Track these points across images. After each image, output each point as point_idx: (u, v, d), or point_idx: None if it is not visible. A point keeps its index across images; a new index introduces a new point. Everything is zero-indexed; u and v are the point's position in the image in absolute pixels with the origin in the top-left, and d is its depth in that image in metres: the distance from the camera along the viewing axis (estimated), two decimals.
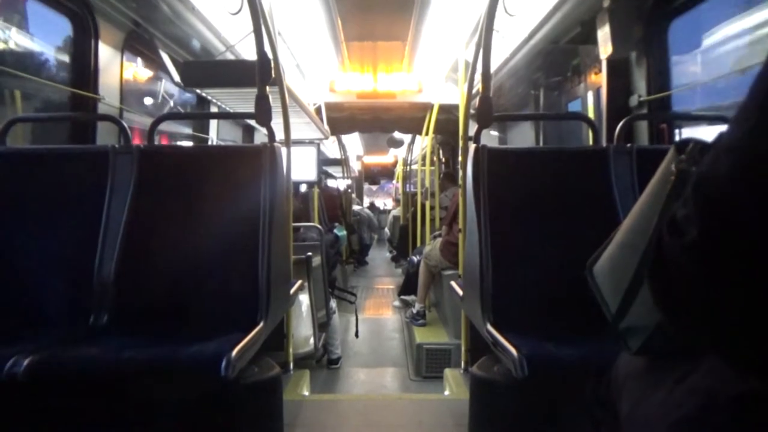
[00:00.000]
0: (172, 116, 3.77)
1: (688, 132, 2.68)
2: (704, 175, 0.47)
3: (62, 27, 2.52)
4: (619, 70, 2.71)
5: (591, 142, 2.34)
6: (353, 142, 11.18)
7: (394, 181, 14.48)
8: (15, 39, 2.55)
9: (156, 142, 2.29)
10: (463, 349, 2.61)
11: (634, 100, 2.64)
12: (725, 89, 2.44)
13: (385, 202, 18.17)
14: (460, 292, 2.23)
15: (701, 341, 0.54)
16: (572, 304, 1.45)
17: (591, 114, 3.33)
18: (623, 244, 0.73)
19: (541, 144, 4.61)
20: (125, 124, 2.15)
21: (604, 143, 2.48)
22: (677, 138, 2.66)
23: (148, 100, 3.81)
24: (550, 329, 1.59)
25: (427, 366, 3.89)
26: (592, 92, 3.40)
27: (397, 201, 12.33)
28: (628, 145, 2.05)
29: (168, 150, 2.53)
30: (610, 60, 2.69)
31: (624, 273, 0.68)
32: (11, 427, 1.48)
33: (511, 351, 1.43)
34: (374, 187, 18.82)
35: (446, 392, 2.59)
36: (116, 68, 2.68)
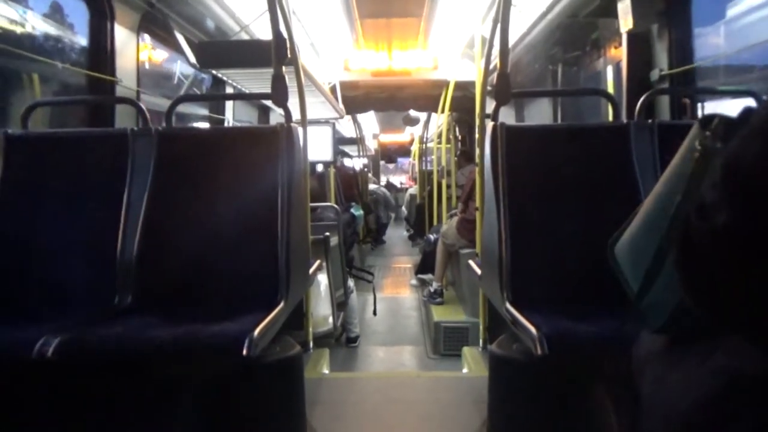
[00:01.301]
0: (190, 98, 3.79)
1: (711, 106, 2.62)
2: (733, 158, 0.46)
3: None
4: (639, 44, 2.65)
5: (611, 118, 2.30)
6: (369, 120, 11.13)
7: (410, 159, 14.42)
8: (33, 23, 2.57)
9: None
10: (481, 327, 2.62)
11: (655, 75, 2.58)
12: (751, 61, 2.38)
13: (401, 181, 18.12)
14: (478, 271, 2.24)
15: (727, 322, 0.54)
16: (592, 282, 1.45)
17: (611, 89, 3.27)
18: (645, 223, 0.72)
19: (559, 120, 4.55)
20: (143, 107, 2.16)
21: (624, 119, 2.43)
22: (700, 113, 2.60)
23: (164, 82, 3.82)
24: (570, 307, 1.59)
25: (445, 344, 3.91)
26: (612, 67, 3.33)
27: (413, 179, 12.29)
28: (650, 120, 2.02)
29: (186, 132, 2.55)
30: (630, 33, 2.62)
31: (646, 252, 0.68)
32: (39, 405, 1.53)
33: (531, 329, 1.43)
34: (391, 166, 18.76)
35: (464, 370, 2.61)
36: (132, 50, 2.69)
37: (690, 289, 0.55)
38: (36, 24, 2.66)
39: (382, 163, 16.28)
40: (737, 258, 0.46)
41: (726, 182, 0.46)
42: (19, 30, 2.55)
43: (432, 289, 4.65)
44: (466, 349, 2.77)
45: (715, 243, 0.47)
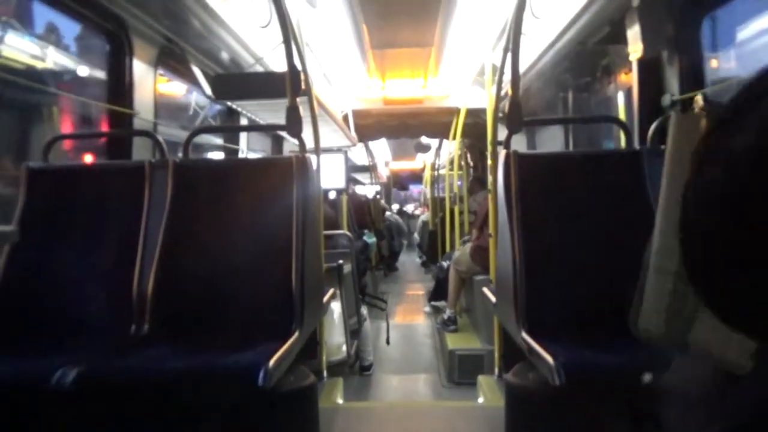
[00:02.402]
0: (206, 130, 3.84)
1: None
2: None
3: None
4: (650, 70, 2.66)
5: (623, 144, 2.30)
6: (381, 148, 11.21)
7: (422, 186, 14.48)
8: (54, 58, 2.65)
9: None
10: (496, 355, 2.59)
11: (666, 100, 2.59)
12: None
13: (413, 207, 18.18)
14: (493, 298, 2.22)
15: (740, 320, 0.53)
16: (608, 310, 1.43)
17: (622, 114, 3.28)
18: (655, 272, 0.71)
19: (570, 145, 4.56)
20: (160, 139, 2.20)
21: (637, 145, 2.43)
22: None
23: (180, 113, 3.90)
24: (586, 335, 1.57)
25: (460, 372, 3.85)
26: (623, 92, 3.35)
27: (426, 206, 12.29)
28: (662, 146, 2.02)
29: (202, 163, 2.59)
30: (640, 59, 2.64)
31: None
32: None
33: (547, 359, 1.41)
34: (403, 193, 18.81)
35: (480, 399, 2.57)
36: (150, 83, 2.75)
37: (699, 285, 0.54)
38: (56, 59, 2.74)
39: (393, 190, 16.36)
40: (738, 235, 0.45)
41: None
42: (39, 65, 2.63)
43: (446, 317, 4.61)
44: (481, 378, 2.73)
45: (715, 213, 0.46)
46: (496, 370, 2.58)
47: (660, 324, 0.72)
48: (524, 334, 1.65)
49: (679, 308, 0.64)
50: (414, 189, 18.13)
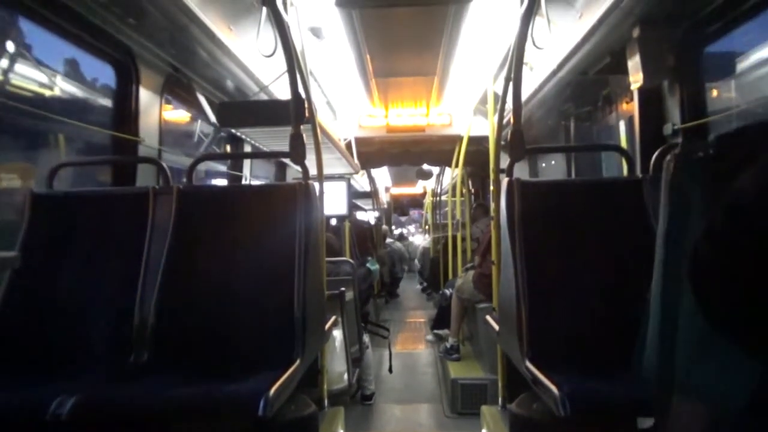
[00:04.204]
0: (210, 157, 3.87)
1: None
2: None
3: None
4: (651, 99, 2.68)
5: (625, 173, 2.31)
6: (382, 173, 11.25)
7: (423, 211, 14.53)
8: (62, 86, 2.68)
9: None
10: (500, 385, 2.55)
11: (668, 129, 2.60)
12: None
13: (414, 228, 18.30)
14: (496, 327, 2.20)
15: (743, 337, 0.53)
16: (612, 338, 1.42)
17: (624, 143, 3.29)
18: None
19: (572, 173, 4.57)
20: (165, 165, 2.22)
21: (639, 173, 2.44)
22: None
23: (184, 140, 3.92)
24: (591, 364, 1.55)
25: (463, 402, 3.80)
26: (624, 121, 3.37)
27: (426, 229, 12.32)
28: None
29: (206, 190, 2.59)
30: (641, 89, 2.66)
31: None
32: None
33: (552, 389, 1.39)
34: (403, 218, 18.88)
35: (483, 430, 2.53)
36: (155, 111, 2.78)
37: (706, 307, 0.54)
38: (63, 86, 2.77)
39: (393, 215, 16.41)
40: (744, 273, 0.47)
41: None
42: (47, 93, 2.66)
43: (448, 345, 4.57)
44: (484, 408, 2.69)
45: (724, 262, 0.49)
46: (500, 399, 2.54)
47: (659, 366, 0.71)
48: (528, 364, 1.63)
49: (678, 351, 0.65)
50: (414, 211, 18.25)
